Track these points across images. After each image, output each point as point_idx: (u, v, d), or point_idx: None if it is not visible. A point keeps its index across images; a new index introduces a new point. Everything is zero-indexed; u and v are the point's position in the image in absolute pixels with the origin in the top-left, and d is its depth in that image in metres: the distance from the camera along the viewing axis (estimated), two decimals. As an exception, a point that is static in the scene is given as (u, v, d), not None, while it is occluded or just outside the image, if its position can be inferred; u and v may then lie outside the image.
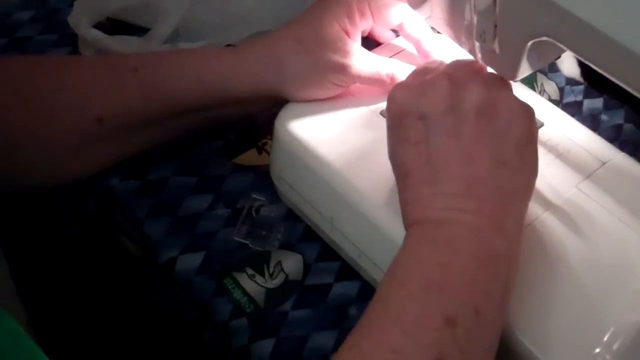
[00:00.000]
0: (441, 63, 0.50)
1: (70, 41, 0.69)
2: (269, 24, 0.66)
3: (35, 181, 0.59)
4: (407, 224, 0.45)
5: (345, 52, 0.53)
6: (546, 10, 0.38)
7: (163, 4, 0.67)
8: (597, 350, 0.42)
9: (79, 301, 0.78)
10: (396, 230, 0.46)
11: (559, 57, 0.56)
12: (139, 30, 0.69)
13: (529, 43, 0.43)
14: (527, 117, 0.45)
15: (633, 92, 0.40)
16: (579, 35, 0.38)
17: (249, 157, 0.62)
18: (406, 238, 0.44)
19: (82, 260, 0.71)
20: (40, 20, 0.72)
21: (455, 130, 0.44)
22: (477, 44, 0.47)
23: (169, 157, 0.61)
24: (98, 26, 0.68)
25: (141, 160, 0.60)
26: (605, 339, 0.43)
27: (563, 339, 0.43)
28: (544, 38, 0.41)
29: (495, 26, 0.43)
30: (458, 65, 0.48)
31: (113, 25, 0.70)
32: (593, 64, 0.39)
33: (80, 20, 0.66)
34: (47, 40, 0.70)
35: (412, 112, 0.46)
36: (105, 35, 0.66)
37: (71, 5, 0.72)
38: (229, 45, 0.65)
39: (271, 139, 0.62)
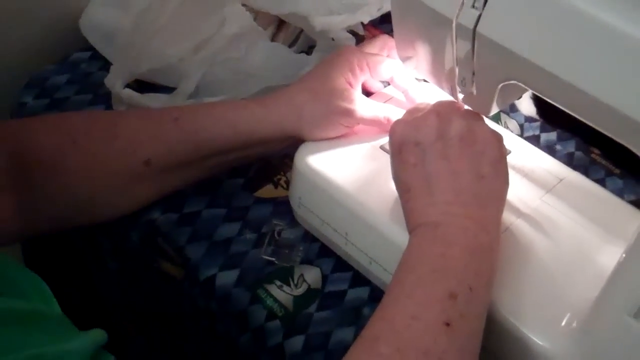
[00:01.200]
0: (428, 104, 0.63)
1: (103, 100, 0.80)
2: (275, 80, 0.78)
3: (87, 218, 0.69)
4: (411, 229, 0.57)
5: (350, 100, 0.65)
6: (514, 60, 0.51)
7: (185, 66, 0.79)
8: (565, 318, 0.54)
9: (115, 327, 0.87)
10: (401, 237, 0.58)
11: (519, 97, 0.70)
12: (162, 89, 0.81)
13: (500, 85, 0.56)
14: (497, 140, 0.58)
15: (584, 121, 0.52)
16: (538, 78, 0.51)
17: (267, 191, 0.73)
18: (411, 239, 0.56)
19: (121, 289, 0.81)
20: (75, 82, 0.82)
21: (444, 153, 0.57)
22: (457, 88, 0.60)
23: (200, 193, 0.71)
24: (127, 86, 0.79)
25: (178, 197, 0.71)
26: (570, 310, 0.55)
27: (537, 312, 0.55)
28: (511, 81, 0.54)
29: (474, 74, 0.56)
30: (442, 104, 0.61)
31: (139, 85, 0.81)
32: (550, 99, 0.53)
33: (116, 82, 0.77)
34: (83, 99, 0.81)
35: (410, 140, 0.58)
36: (138, 94, 0.77)
37: (101, 69, 0.84)
38: (243, 99, 0.77)
39: (284, 175, 0.74)
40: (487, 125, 0.59)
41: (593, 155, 0.80)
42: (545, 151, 0.72)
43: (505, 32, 0.51)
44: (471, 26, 0.52)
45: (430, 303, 0.50)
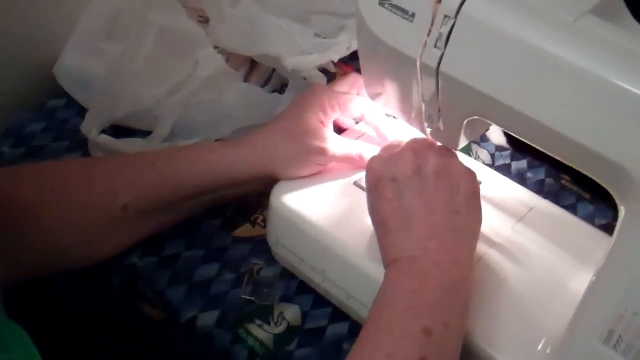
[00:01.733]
0: (401, 141, 0.65)
1: (80, 146, 0.80)
2: (249, 120, 0.80)
3: (67, 264, 0.69)
4: (387, 263, 0.58)
5: (323, 139, 0.66)
6: (476, 97, 0.53)
7: (161, 109, 0.80)
8: (539, 345, 0.55)
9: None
10: (377, 272, 0.58)
11: (487, 130, 0.71)
12: (138, 132, 0.82)
13: (465, 121, 0.57)
14: (471, 177, 0.60)
15: (546, 152, 0.54)
16: (500, 113, 0.53)
17: (245, 230, 0.74)
18: (387, 273, 0.57)
19: (102, 334, 0.81)
20: (51, 130, 0.83)
21: (420, 189, 0.58)
22: (425, 124, 0.62)
23: (179, 235, 0.72)
24: (102, 131, 0.80)
25: (156, 240, 0.71)
26: (544, 336, 0.56)
27: (511, 340, 0.56)
28: (476, 117, 0.56)
29: (439, 110, 0.58)
30: (416, 140, 0.63)
31: (114, 130, 0.82)
32: (513, 132, 0.54)
33: (92, 128, 0.78)
34: (59, 146, 0.81)
35: (386, 176, 0.59)
36: (114, 139, 0.78)
37: (76, 115, 0.85)
38: (218, 139, 0.79)
39: (261, 213, 0.75)
40: (460, 161, 0.61)
41: (563, 182, 0.82)
42: (516, 179, 0.73)
43: (467, 70, 0.53)
44: (434, 65, 0.54)
45: (406, 340, 0.51)
